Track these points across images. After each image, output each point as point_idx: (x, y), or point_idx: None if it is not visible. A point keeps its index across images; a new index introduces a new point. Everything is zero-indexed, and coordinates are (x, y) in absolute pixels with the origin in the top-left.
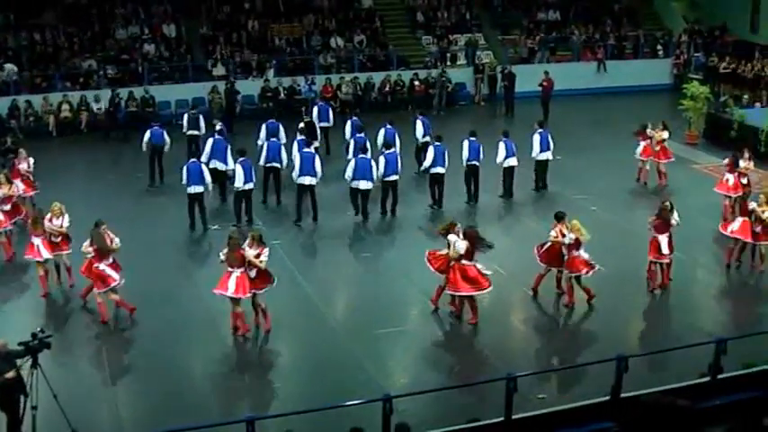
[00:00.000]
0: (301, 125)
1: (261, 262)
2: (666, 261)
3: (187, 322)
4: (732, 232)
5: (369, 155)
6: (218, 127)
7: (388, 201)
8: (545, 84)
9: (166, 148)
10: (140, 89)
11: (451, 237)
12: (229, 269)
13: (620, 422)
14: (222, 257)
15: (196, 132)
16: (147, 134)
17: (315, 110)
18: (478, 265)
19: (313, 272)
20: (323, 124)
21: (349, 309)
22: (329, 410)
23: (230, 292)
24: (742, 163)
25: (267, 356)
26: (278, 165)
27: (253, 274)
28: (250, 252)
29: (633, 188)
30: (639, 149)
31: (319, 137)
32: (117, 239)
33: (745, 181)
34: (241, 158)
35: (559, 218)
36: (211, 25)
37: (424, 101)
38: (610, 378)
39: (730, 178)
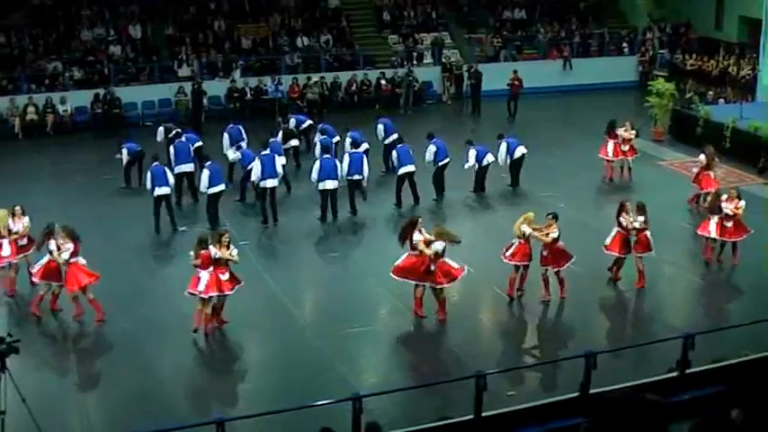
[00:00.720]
0: (280, 134)
1: (232, 256)
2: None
3: (156, 324)
4: (708, 232)
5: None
6: (172, 133)
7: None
8: (516, 83)
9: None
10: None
11: (418, 235)
12: (200, 270)
13: (589, 418)
14: (193, 258)
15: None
16: (125, 151)
17: (292, 120)
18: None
19: (281, 272)
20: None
21: (318, 308)
22: (299, 410)
23: (202, 291)
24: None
25: (237, 357)
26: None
27: (225, 276)
28: (220, 252)
29: (601, 185)
30: (610, 149)
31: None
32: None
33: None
34: (207, 162)
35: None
36: (177, 26)
37: (391, 100)
38: (579, 374)
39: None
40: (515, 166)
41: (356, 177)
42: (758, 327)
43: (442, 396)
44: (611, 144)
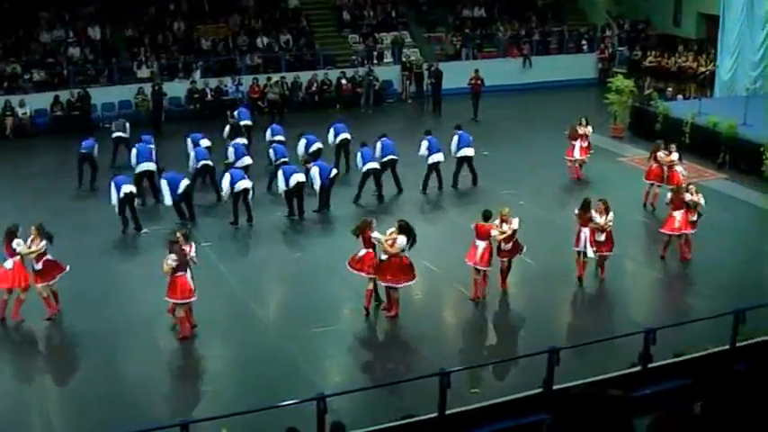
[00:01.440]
0: (227, 128)
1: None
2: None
3: (119, 326)
4: (675, 229)
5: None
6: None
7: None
8: (478, 82)
9: (95, 152)
10: (66, 93)
11: (377, 234)
12: (181, 272)
13: (553, 414)
14: (173, 263)
15: (123, 135)
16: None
17: (236, 112)
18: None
19: (244, 273)
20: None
21: (282, 309)
22: (264, 411)
23: (191, 295)
24: (662, 154)
25: (201, 358)
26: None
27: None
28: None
29: (561, 182)
30: (576, 151)
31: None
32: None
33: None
34: (165, 174)
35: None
36: (137, 27)
37: (352, 100)
38: (542, 371)
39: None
40: (459, 163)
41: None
42: (718, 321)
43: (406, 395)
44: (576, 145)
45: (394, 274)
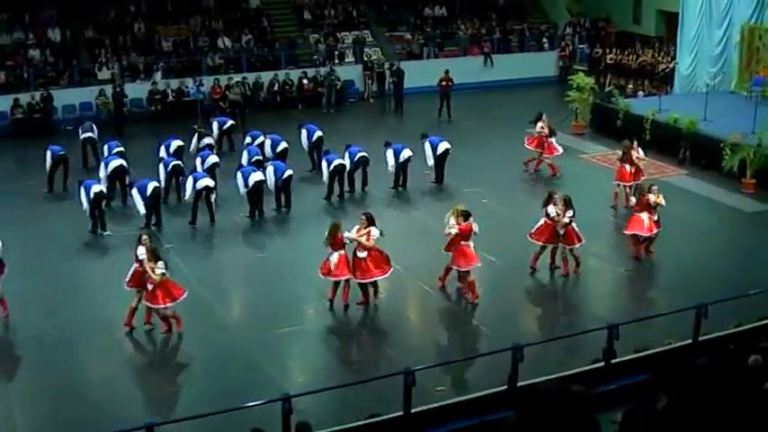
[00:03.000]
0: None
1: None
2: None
3: (83, 328)
4: (646, 230)
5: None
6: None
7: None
8: (449, 83)
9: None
10: (26, 95)
11: (349, 234)
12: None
13: (518, 411)
14: (163, 269)
15: (92, 135)
16: (48, 154)
17: (215, 124)
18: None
19: (207, 273)
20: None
21: (246, 309)
22: (229, 412)
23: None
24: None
25: (165, 360)
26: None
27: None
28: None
29: (523, 180)
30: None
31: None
32: None
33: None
34: (135, 183)
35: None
36: (97, 29)
37: (314, 100)
38: (507, 367)
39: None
40: (440, 162)
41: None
42: (680, 315)
43: (371, 394)
44: (554, 142)
45: (378, 266)
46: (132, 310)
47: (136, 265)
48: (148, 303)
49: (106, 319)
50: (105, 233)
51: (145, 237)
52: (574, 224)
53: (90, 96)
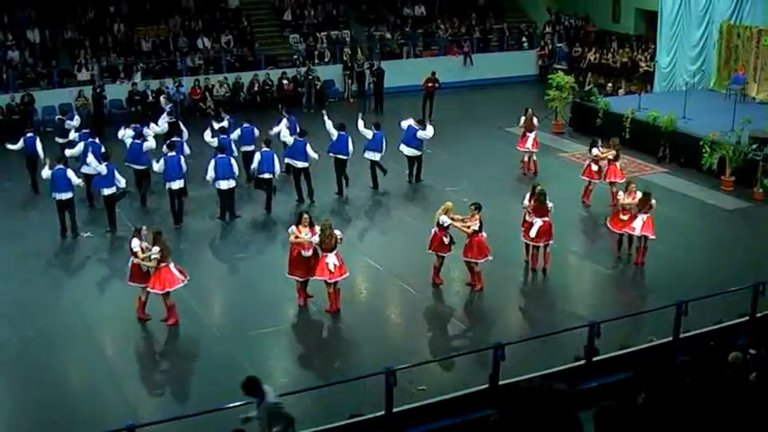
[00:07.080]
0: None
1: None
2: (539, 245)
3: (60, 331)
4: (633, 229)
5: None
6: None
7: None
8: (435, 84)
9: (41, 156)
10: (6, 96)
11: (317, 238)
12: (164, 263)
13: (499, 409)
14: (156, 255)
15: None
16: (21, 143)
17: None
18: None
19: (189, 275)
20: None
21: (225, 310)
22: (210, 413)
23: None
24: (595, 150)
25: (144, 362)
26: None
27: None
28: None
29: (503, 178)
30: (529, 143)
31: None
32: None
33: (596, 168)
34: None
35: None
36: (76, 30)
37: (294, 99)
38: (488, 366)
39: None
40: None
41: (266, 176)
42: (661, 313)
43: (353, 394)
44: (530, 136)
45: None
46: (142, 303)
47: (132, 259)
48: (156, 290)
49: (84, 322)
50: (85, 234)
51: (144, 229)
52: (549, 220)
53: (70, 98)
